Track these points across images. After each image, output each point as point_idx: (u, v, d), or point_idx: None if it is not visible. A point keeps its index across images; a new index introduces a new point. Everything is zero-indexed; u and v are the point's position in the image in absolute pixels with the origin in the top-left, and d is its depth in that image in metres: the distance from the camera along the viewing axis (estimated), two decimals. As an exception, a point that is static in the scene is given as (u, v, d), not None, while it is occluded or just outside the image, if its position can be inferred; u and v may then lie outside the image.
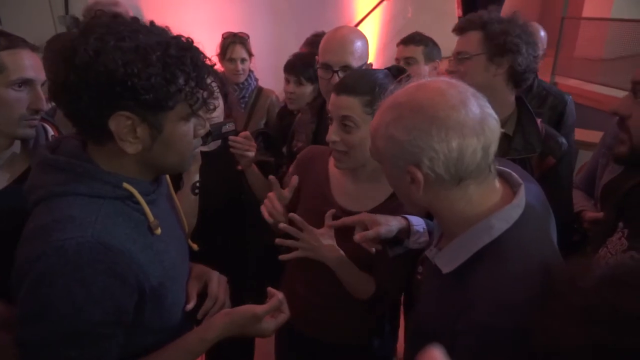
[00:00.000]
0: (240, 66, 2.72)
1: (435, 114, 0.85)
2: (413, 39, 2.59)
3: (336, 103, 1.33)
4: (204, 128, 1.00)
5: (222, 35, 2.77)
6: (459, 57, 1.65)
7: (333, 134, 1.33)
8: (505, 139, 1.63)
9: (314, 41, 2.70)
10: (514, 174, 0.97)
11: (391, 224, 1.24)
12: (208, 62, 0.95)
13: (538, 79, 2.36)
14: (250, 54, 2.78)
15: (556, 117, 2.24)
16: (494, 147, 0.88)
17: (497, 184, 0.94)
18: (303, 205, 1.50)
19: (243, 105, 2.79)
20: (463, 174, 0.86)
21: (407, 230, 1.26)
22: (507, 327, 0.82)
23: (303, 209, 1.48)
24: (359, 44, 1.77)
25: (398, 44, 2.66)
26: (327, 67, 1.75)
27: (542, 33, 2.48)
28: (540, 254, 0.89)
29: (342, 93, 1.31)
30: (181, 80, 0.88)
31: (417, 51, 2.56)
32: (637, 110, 1.19)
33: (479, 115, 0.86)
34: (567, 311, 0.70)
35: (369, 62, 1.83)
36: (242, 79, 2.76)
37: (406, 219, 1.28)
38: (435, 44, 2.63)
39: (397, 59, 2.62)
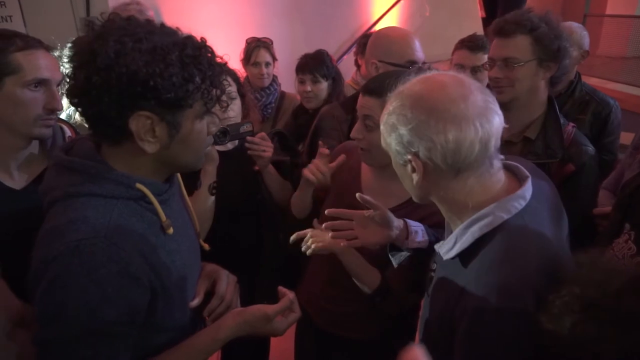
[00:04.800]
0: (264, 70, 2.70)
1: (434, 106, 0.88)
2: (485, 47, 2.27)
3: (361, 103, 1.41)
4: (216, 125, 1.03)
5: (246, 40, 2.78)
6: (508, 63, 1.57)
7: (357, 131, 1.42)
8: (526, 141, 1.61)
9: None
10: (521, 167, 0.99)
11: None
12: (220, 60, 0.97)
13: (581, 82, 2.25)
14: (274, 58, 2.78)
15: (600, 123, 2.16)
16: (494, 142, 0.90)
17: (503, 176, 0.96)
18: (333, 197, 1.55)
19: (269, 111, 2.77)
20: (460, 165, 0.89)
21: (405, 231, 1.30)
22: (497, 309, 0.83)
23: (333, 201, 1.51)
24: None
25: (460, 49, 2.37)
26: (413, 63, 1.84)
27: (584, 32, 2.38)
28: (540, 244, 0.90)
29: (366, 94, 1.39)
30: (198, 79, 0.90)
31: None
32: None
33: (480, 110, 0.88)
34: (600, 316, 0.70)
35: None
36: (266, 83, 2.74)
37: (403, 220, 1.31)
38: None
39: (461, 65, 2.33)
